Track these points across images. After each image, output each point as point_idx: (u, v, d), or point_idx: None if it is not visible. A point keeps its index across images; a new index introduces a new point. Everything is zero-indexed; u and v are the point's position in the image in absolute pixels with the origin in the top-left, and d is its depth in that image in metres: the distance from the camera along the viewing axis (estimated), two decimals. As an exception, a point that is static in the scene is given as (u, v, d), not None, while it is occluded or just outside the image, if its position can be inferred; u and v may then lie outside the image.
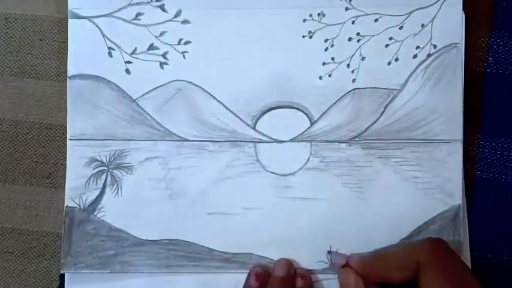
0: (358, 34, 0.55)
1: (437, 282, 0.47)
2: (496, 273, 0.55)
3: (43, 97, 0.57)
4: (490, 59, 0.55)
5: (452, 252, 0.49)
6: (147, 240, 0.54)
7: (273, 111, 0.55)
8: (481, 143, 0.55)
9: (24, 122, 0.57)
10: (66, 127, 0.55)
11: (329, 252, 0.54)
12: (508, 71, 0.55)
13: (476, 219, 0.54)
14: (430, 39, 0.54)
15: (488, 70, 0.55)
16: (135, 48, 0.55)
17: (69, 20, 0.55)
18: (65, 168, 0.55)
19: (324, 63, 0.55)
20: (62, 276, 0.55)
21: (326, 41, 0.55)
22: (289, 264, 0.53)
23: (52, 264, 0.57)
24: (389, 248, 0.52)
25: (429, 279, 0.47)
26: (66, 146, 0.55)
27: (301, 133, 0.55)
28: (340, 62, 0.55)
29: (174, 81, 0.55)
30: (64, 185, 0.55)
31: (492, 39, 0.55)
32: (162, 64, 0.55)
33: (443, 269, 0.47)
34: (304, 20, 0.55)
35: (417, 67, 0.54)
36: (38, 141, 0.57)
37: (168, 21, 0.55)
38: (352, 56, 0.55)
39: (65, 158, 0.55)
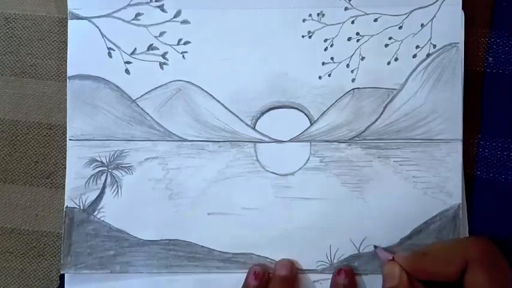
0: (357, 34, 0.54)
1: (484, 280, 0.47)
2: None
3: (43, 97, 0.57)
4: (490, 59, 0.55)
5: (501, 253, 0.49)
6: (147, 240, 0.54)
7: (272, 111, 0.55)
8: (481, 143, 0.55)
9: (24, 122, 0.57)
10: (66, 127, 0.55)
11: (375, 247, 0.54)
12: (508, 71, 0.55)
13: (476, 219, 0.54)
14: (430, 39, 0.54)
15: (488, 70, 0.55)
16: (135, 49, 0.55)
17: (68, 20, 0.55)
18: (65, 168, 0.55)
19: (323, 63, 0.55)
20: (62, 277, 0.55)
21: (325, 40, 0.55)
22: (291, 264, 0.53)
23: (52, 264, 0.57)
24: (435, 244, 0.51)
25: (477, 276, 0.47)
26: (66, 146, 0.55)
27: (301, 133, 0.55)
28: (340, 62, 0.55)
29: (173, 81, 0.55)
30: (64, 185, 0.55)
31: (492, 39, 0.55)
32: (161, 64, 0.55)
33: (491, 268, 0.47)
34: (304, 20, 0.54)
35: (417, 67, 0.54)
36: (38, 141, 0.57)
37: (167, 21, 0.55)
38: (352, 55, 0.54)
39: (65, 158, 0.55)
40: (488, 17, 0.55)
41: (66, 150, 0.55)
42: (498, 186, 0.55)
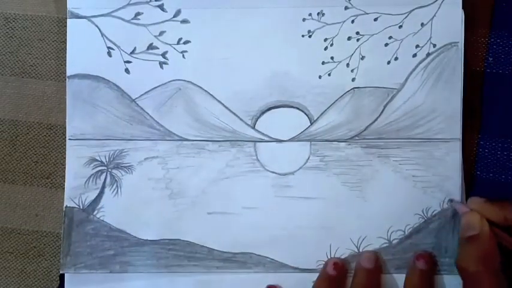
0: (357, 33, 0.54)
1: None
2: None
3: (43, 97, 0.57)
4: (490, 59, 0.55)
5: None
6: (146, 240, 0.54)
7: (272, 110, 0.55)
8: (481, 143, 0.55)
9: (24, 122, 0.57)
10: (66, 127, 0.55)
11: (450, 200, 0.53)
12: (508, 71, 0.55)
13: (476, 219, 0.54)
14: (430, 38, 0.54)
15: (488, 70, 0.55)
16: (135, 48, 0.55)
17: (68, 19, 0.55)
18: (65, 168, 0.55)
19: (323, 63, 0.55)
20: (62, 276, 0.55)
21: (325, 40, 0.54)
22: (375, 257, 0.53)
23: (52, 264, 0.57)
24: None
25: None
26: (66, 146, 0.55)
27: (301, 132, 0.55)
28: (340, 61, 0.54)
29: (173, 80, 0.55)
30: (64, 185, 0.55)
31: (492, 39, 0.55)
32: (161, 64, 0.55)
33: None
34: (304, 19, 0.54)
35: (417, 66, 0.54)
36: (38, 141, 0.57)
37: (167, 20, 0.54)
38: (352, 55, 0.54)
39: (65, 158, 0.55)
40: (488, 17, 0.55)
41: (66, 150, 0.55)
42: (498, 186, 0.55)
